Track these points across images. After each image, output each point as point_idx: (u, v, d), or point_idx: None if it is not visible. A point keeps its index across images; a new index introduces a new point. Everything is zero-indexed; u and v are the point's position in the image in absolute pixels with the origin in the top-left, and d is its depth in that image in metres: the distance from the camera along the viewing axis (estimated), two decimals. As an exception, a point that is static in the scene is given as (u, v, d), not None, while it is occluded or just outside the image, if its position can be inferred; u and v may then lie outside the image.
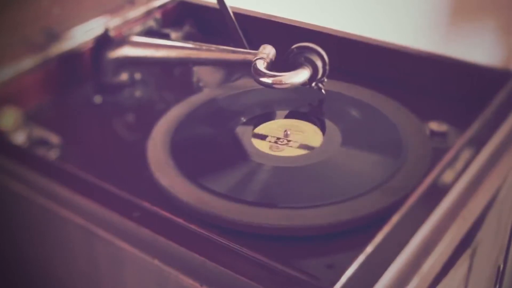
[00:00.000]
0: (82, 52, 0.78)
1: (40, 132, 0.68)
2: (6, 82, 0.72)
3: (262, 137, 0.67)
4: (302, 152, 0.64)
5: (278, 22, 0.84)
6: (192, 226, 0.51)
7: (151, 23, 0.86)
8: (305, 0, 1.38)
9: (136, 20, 0.85)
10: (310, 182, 0.61)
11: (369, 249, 0.47)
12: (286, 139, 0.66)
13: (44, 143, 0.67)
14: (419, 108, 0.70)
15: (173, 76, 0.81)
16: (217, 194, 0.59)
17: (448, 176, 0.55)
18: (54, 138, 0.68)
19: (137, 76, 0.79)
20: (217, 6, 0.81)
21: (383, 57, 0.77)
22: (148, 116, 0.72)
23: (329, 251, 0.54)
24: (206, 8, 0.89)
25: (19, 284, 0.68)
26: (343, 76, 0.75)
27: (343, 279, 0.44)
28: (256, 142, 0.66)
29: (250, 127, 0.68)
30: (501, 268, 0.79)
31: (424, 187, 0.54)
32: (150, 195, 0.56)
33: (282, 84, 0.66)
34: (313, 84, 0.71)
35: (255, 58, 0.68)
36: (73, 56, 0.77)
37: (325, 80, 0.71)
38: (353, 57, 0.78)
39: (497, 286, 0.80)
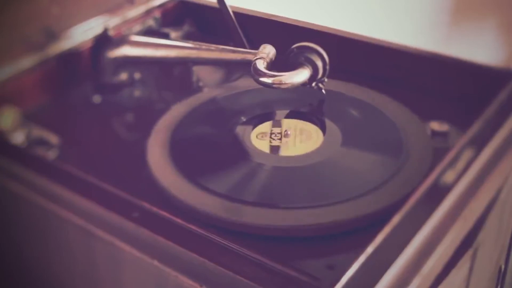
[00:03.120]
0: (81, 51, 0.78)
1: (39, 132, 0.68)
2: (5, 82, 0.72)
3: (263, 134, 0.67)
4: (298, 152, 0.64)
5: (278, 22, 0.84)
6: (192, 227, 0.51)
7: (150, 22, 0.86)
8: (305, 0, 1.38)
9: (136, 19, 0.85)
10: (310, 182, 0.60)
11: (369, 249, 0.47)
12: (285, 138, 0.66)
13: (43, 143, 0.67)
14: (420, 108, 0.70)
15: (172, 76, 0.81)
16: (217, 194, 0.58)
17: (449, 176, 0.55)
18: (53, 138, 0.68)
19: (137, 75, 0.79)
20: (217, 6, 0.81)
21: (384, 56, 0.77)
22: (147, 116, 0.72)
23: (329, 252, 0.54)
24: (206, 8, 0.89)
25: (18, 284, 0.68)
26: (343, 75, 0.74)
27: (344, 279, 0.44)
28: (256, 141, 0.66)
29: (250, 127, 0.68)
30: (503, 268, 0.79)
31: (425, 187, 0.53)
32: (149, 196, 0.56)
33: (282, 84, 0.66)
34: (314, 84, 0.71)
35: (255, 58, 0.67)
36: (72, 56, 0.77)
37: (326, 80, 0.71)
38: (353, 57, 0.78)
39: (499, 287, 0.80)
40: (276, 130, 0.67)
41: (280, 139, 0.66)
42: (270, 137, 0.66)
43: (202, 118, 0.70)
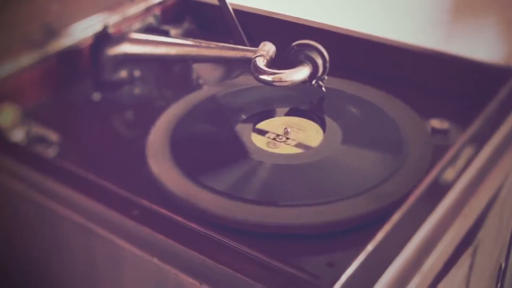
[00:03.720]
0: (81, 49, 0.78)
1: (38, 130, 0.67)
2: (5, 79, 0.71)
3: (262, 132, 0.66)
4: (298, 150, 0.64)
5: (278, 19, 0.84)
6: (192, 225, 0.51)
7: (150, 20, 0.86)
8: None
9: (136, 16, 0.84)
10: (310, 180, 0.60)
11: (369, 247, 0.47)
12: (285, 136, 0.66)
13: (42, 140, 0.67)
14: (421, 106, 0.70)
15: (172, 73, 0.81)
16: (217, 192, 0.58)
17: (449, 174, 0.55)
18: (53, 136, 0.67)
19: (136, 73, 0.79)
20: (217, 3, 0.81)
21: (384, 54, 0.77)
22: (147, 114, 0.72)
23: (329, 250, 0.54)
24: (206, 5, 0.89)
25: (18, 282, 0.68)
26: (343, 73, 0.74)
27: (344, 277, 0.44)
28: (256, 139, 0.65)
29: (250, 125, 0.68)
30: (503, 266, 0.79)
31: (425, 185, 0.53)
32: (149, 193, 0.56)
33: (282, 81, 0.66)
34: (314, 81, 0.71)
35: (255, 55, 0.67)
36: (72, 53, 0.77)
37: (326, 77, 0.71)
38: (353, 55, 0.78)
39: (499, 285, 0.80)
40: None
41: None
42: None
43: (202, 116, 0.70)
